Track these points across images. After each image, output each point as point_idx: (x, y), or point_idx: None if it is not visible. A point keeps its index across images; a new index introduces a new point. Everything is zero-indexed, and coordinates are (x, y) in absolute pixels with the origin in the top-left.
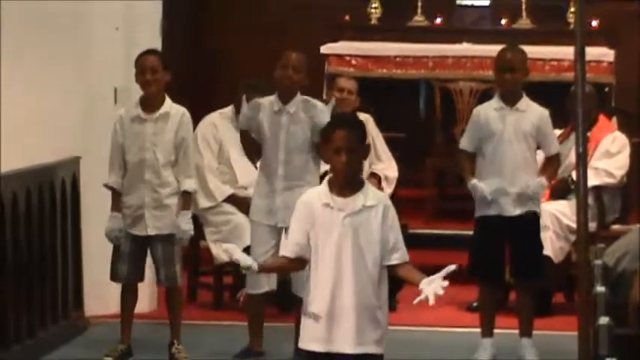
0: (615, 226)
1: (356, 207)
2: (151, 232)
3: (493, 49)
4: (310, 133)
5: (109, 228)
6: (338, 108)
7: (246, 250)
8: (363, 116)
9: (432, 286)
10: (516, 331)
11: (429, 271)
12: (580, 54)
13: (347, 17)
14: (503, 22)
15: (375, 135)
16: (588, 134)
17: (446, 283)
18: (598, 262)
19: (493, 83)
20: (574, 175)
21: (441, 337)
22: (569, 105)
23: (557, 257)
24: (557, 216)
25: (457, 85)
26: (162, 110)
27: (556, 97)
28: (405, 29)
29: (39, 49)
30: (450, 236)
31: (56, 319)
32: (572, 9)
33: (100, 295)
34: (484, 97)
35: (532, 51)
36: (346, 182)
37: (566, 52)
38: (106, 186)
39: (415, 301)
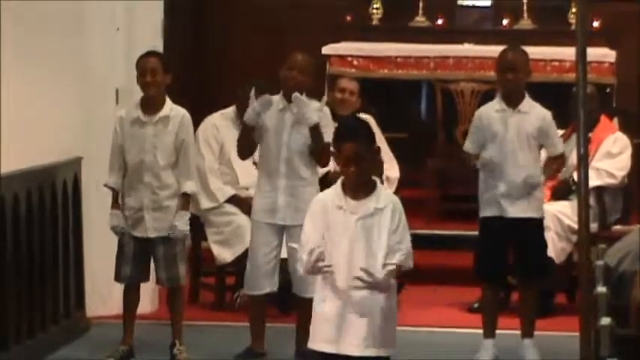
0: (617, 227)
1: (368, 210)
2: (151, 234)
3: (494, 50)
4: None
5: (112, 225)
6: (339, 108)
7: (247, 250)
8: (364, 117)
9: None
10: (518, 332)
11: (429, 272)
12: (581, 55)
13: (348, 18)
14: (504, 22)
15: (376, 135)
16: (590, 135)
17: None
18: (599, 262)
19: (494, 84)
20: (575, 175)
21: (443, 337)
22: (571, 106)
23: (558, 258)
24: (559, 217)
25: (458, 86)
26: (162, 113)
27: (557, 98)
28: (407, 30)
29: (40, 50)
30: (451, 237)
31: (57, 320)
32: (574, 9)
33: (102, 296)
34: (486, 97)
35: (533, 52)
36: (357, 187)
37: (568, 52)
38: (106, 186)
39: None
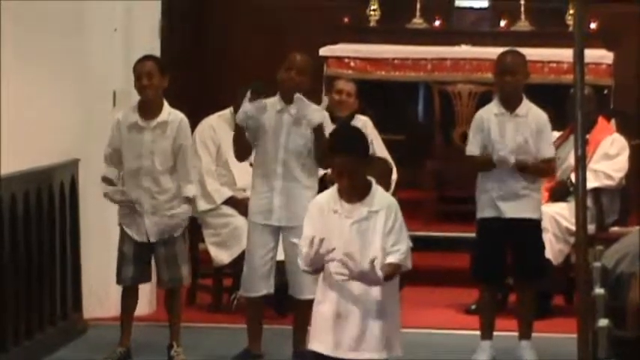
0: (614, 229)
1: (362, 213)
2: (153, 239)
3: (492, 52)
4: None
5: (119, 199)
6: (336, 110)
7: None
8: (362, 118)
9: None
10: (516, 334)
11: (427, 273)
12: (579, 56)
13: (346, 19)
14: (502, 24)
15: (374, 137)
16: (587, 136)
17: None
18: (597, 264)
19: (492, 86)
20: (573, 177)
21: (441, 338)
22: (569, 107)
23: (556, 259)
24: (557, 218)
25: (456, 88)
26: (160, 118)
27: (555, 100)
28: (404, 31)
29: (39, 50)
30: (449, 238)
31: (55, 322)
32: (571, 11)
33: (99, 298)
34: (483, 99)
35: (531, 53)
36: (352, 193)
37: (566, 54)
38: (104, 178)
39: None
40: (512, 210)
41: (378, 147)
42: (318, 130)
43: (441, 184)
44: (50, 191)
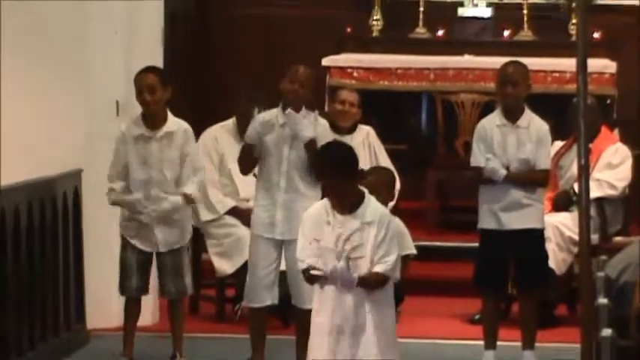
0: (617, 238)
1: (354, 225)
2: (162, 249)
3: (495, 61)
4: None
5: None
6: (339, 120)
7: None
8: (364, 128)
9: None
10: (519, 343)
11: (429, 283)
12: (582, 66)
13: (349, 29)
14: (505, 34)
15: (376, 147)
16: (590, 146)
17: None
18: (600, 274)
19: (495, 95)
20: (576, 186)
21: (444, 349)
22: (572, 117)
23: (559, 269)
24: (560, 228)
25: (459, 97)
26: (166, 128)
27: (558, 109)
28: (407, 41)
29: (39, 61)
30: (451, 248)
31: (57, 332)
32: (574, 21)
33: (102, 308)
34: (486, 108)
35: (534, 63)
36: (343, 207)
37: (568, 64)
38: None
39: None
40: (514, 221)
41: (382, 156)
42: (309, 145)
43: (443, 194)
44: (53, 202)
